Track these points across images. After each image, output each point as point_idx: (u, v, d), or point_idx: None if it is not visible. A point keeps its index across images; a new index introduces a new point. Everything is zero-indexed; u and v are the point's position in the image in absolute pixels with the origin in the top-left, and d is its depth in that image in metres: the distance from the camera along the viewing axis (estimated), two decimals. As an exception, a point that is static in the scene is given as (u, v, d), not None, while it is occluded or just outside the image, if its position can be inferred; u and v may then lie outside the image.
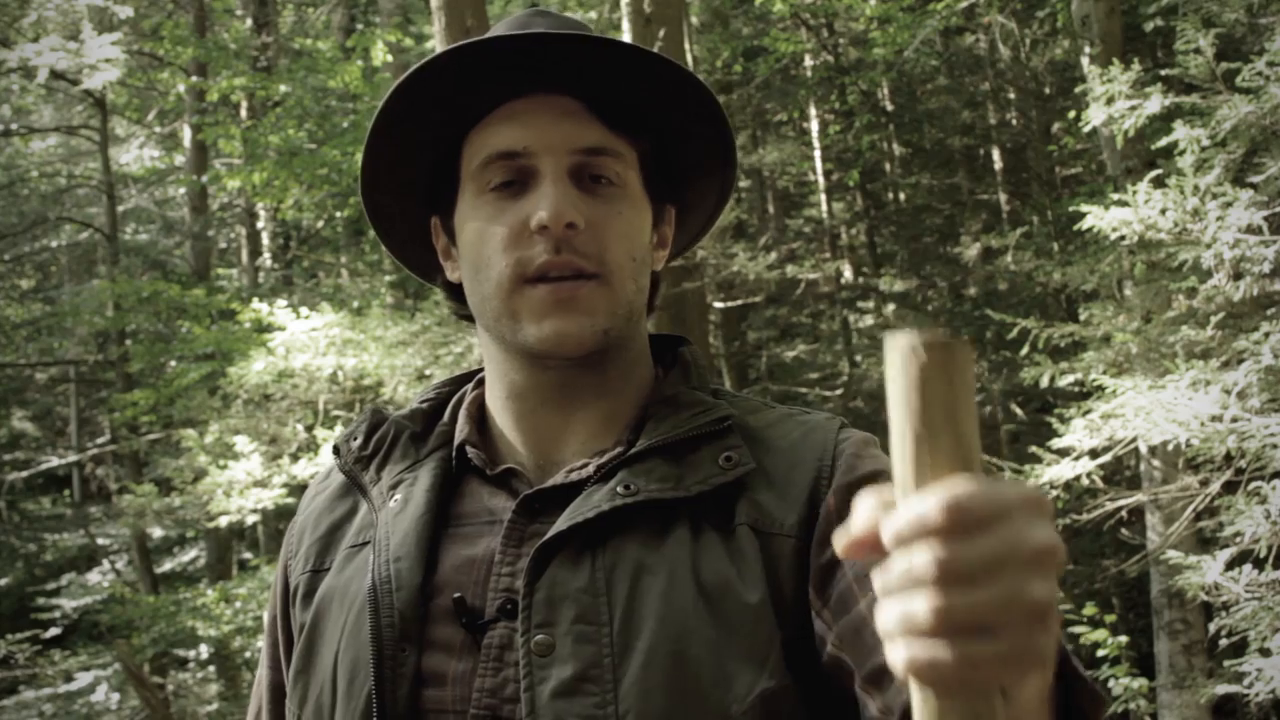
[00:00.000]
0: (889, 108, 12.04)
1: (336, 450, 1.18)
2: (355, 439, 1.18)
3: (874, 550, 0.64)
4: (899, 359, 0.65)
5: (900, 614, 0.61)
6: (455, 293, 1.18)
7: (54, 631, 13.22)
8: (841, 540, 0.66)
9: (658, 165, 1.15)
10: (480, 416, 1.18)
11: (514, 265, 1.06)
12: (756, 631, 0.97)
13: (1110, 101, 5.02)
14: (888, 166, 12.85)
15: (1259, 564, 4.41)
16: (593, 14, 10.92)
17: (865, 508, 0.65)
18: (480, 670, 0.99)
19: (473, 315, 1.16)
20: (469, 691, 0.99)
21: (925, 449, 0.64)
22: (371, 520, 1.11)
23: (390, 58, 11.52)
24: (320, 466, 7.86)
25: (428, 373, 7.81)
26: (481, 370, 1.21)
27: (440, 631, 1.02)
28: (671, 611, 0.97)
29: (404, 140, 1.14)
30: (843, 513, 0.98)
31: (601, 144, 1.08)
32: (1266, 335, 4.42)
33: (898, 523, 0.62)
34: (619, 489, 1.02)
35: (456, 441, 1.15)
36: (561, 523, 1.01)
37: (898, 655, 0.61)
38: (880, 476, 1.04)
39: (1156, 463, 6.27)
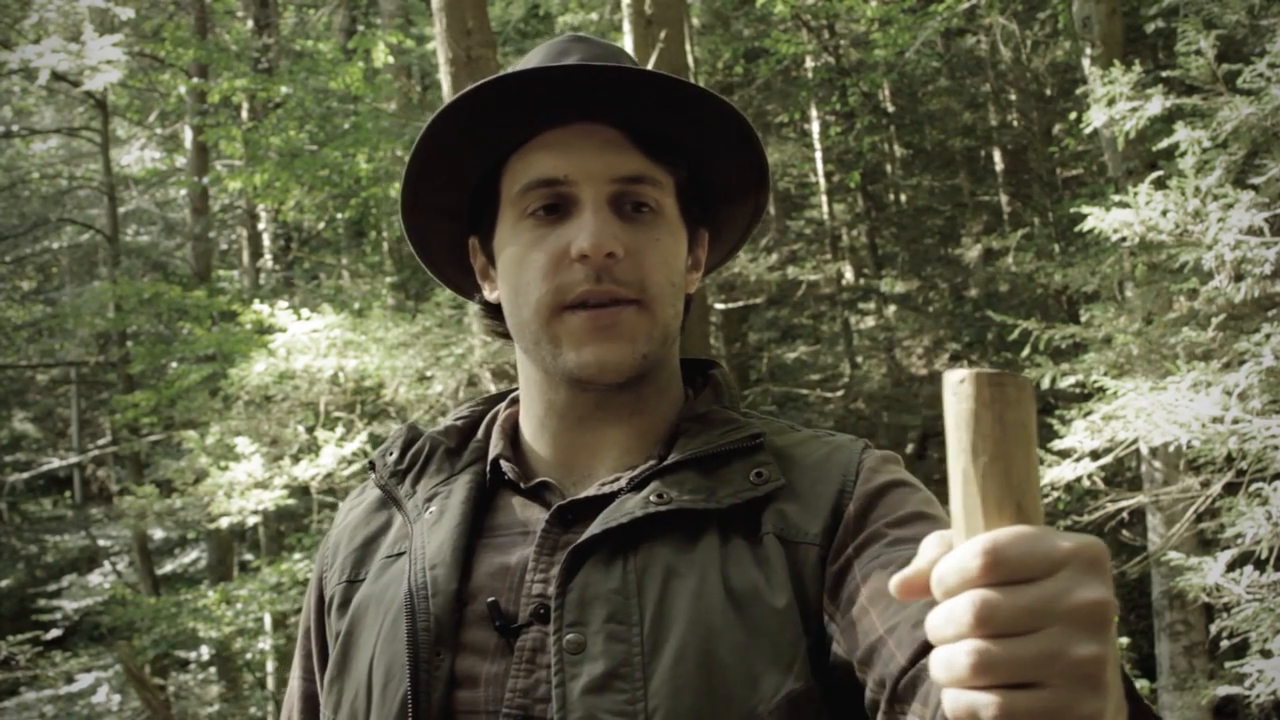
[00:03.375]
0: (890, 109, 12.05)
1: (372, 465, 1.21)
2: (391, 454, 1.21)
3: (924, 592, 0.64)
4: (950, 394, 0.63)
5: (943, 660, 0.61)
6: (493, 312, 1.21)
7: (55, 633, 13.21)
8: (895, 581, 0.66)
9: (693, 191, 1.18)
10: (514, 433, 1.21)
11: (554, 292, 1.09)
12: (783, 635, 1.00)
13: (1111, 103, 5.02)
14: (889, 168, 12.85)
15: (1260, 565, 4.40)
16: (594, 15, 10.93)
17: (925, 548, 0.66)
18: (513, 672, 1.02)
19: (510, 335, 1.18)
20: (501, 692, 1.01)
21: (974, 489, 0.62)
22: (407, 532, 1.14)
23: (391, 59, 11.53)
24: (321, 468, 7.87)
25: (429, 374, 7.81)
26: (514, 390, 1.24)
27: (474, 635, 1.05)
28: (701, 613, 0.99)
29: (444, 164, 1.16)
30: (861, 520, 1.02)
31: (641, 172, 1.11)
32: (1268, 337, 4.42)
33: (942, 568, 0.62)
34: (652, 497, 1.05)
35: (491, 456, 1.18)
36: (595, 527, 1.04)
37: (945, 701, 0.62)
38: (898, 487, 1.07)
39: (1157, 464, 6.27)
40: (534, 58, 1.17)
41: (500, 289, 1.16)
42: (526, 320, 1.11)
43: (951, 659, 0.61)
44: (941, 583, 0.62)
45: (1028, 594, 0.60)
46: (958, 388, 0.63)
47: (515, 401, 1.23)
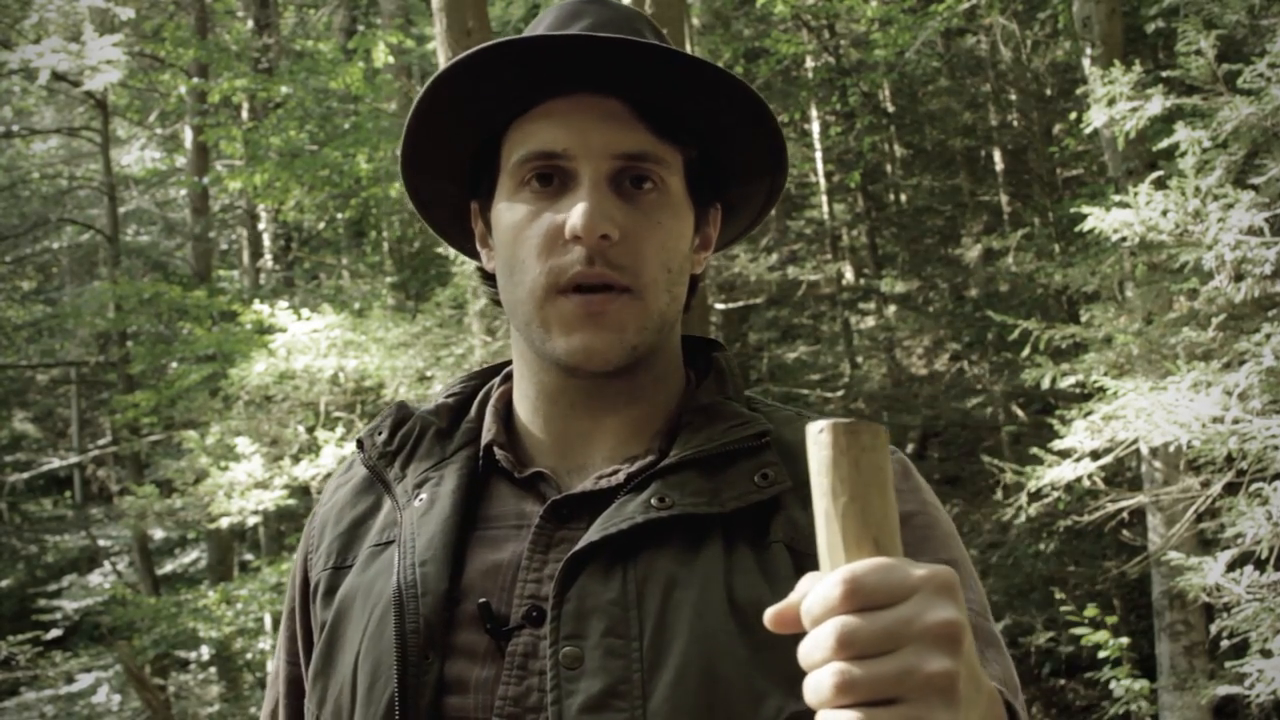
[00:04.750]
0: (890, 109, 12.05)
1: (360, 444, 1.17)
2: (380, 434, 1.16)
3: (796, 625, 0.69)
4: (812, 443, 0.70)
5: (812, 684, 0.66)
6: (491, 279, 1.17)
7: (55, 633, 13.22)
8: (769, 615, 0.71)
9: (704, 168, 1.13)
10: (507, 415, 1.17)
11: (548, 273, 1.04)
12: (788, 652, 0.97)
13: (1111, 103, 5.02)
14: (889, 168, 12.85)
15: (1260, 565, 4.40)
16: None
17: (800, 584, 0.70)
18: (504, 678, 0.98)
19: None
20: (491, 699, 0.98)
21: (835, 528, 0.69)
22: (395, 519, 1.10)
23: (391, 59, 11.54)
24: (321, 468, 7.87)
25: (429, 374, 7.81)
26: (508, 364, 1.20)
27: (464, 637, 1.01)
28: (703, 628, 0.96)
29: (444, 126, 1.12)
30: None
31: (644, 149, 1.06)
32: (1268, 337, 4.42)
33: (809, 601, 0.68)
34: (653, 501, 1.00)
35: (484, 441, 1.13)
36: (593, 533, 1.00)
37: None
38: (914, 516, 1.06)
39: (1158, 464, 6.27)
40: (546, 18, 1.13)
41: (496, 261, 1.12)
42: (520, 299, 1.07)
43: (819, 682, 0.66)
44: (809, 613, 0.67)
45: (884, 618, 0.65)
46: (818, 437, 0.69)
47: (509, 377, 1.19)
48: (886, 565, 0.67)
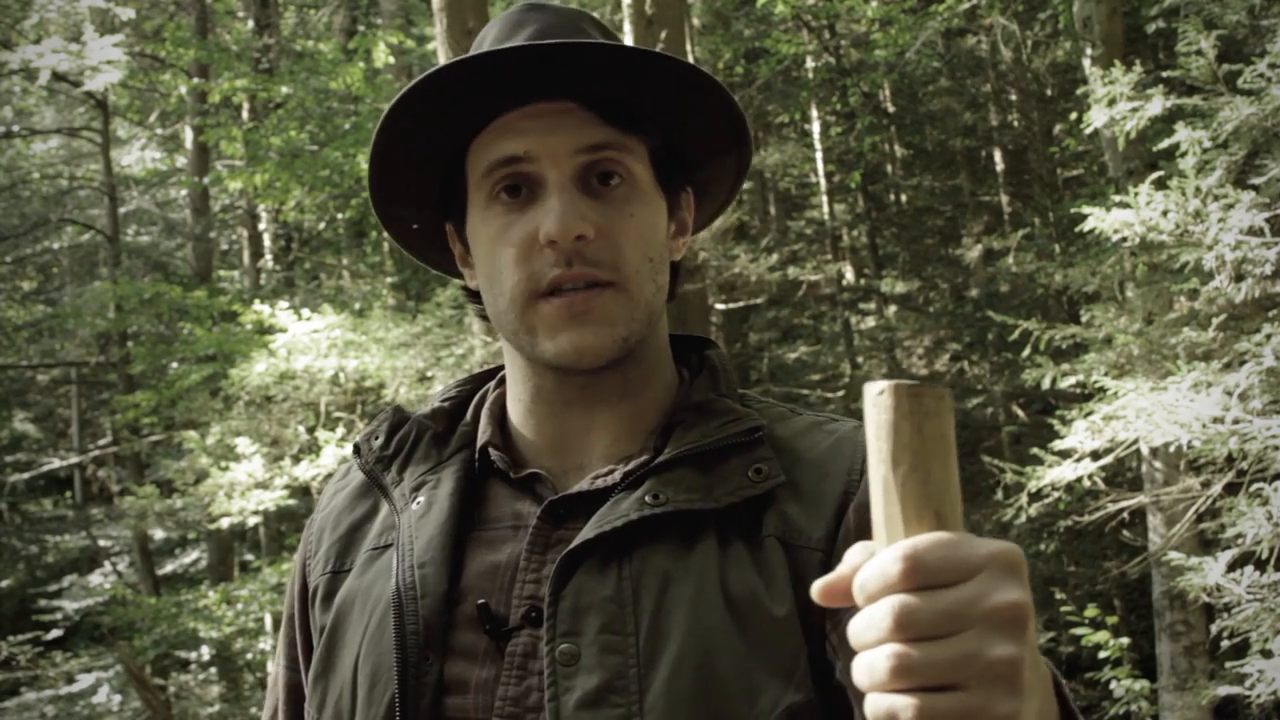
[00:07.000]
0: (890, 109, 12.05)
1: (357, 449, 1.17)
2: (377, 438, 1.17)
3: (847, 598, 0.65)
4: (870, 406, 0.65)
5: (865, 665, 0.62)
6: (476, 297, 1.17)
7: (55, 633, 13.23)
8: (817, 586, 0.67)
9: (669, 155, 1.13)
10: (502, 417, 1.17)
11: (526, 281, 1.05)
12: (783, 645, 0.97)
13: (1112, 103, 5.02)
14: (889, 168, 12.86)
15: (1260, 565, 4.40)
16: (594, 16, 10.93)
17: (850, 555, 0.66)
18: (504, 678, 0.99)
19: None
20: (491, 699, 0.98)
21: (894, 498, 0.64)
22: (394, 522, 1.11)
23: (392, 59, 11.53)
24: (321, 468, 7.87)
25: (429, 374, 7.81)
26: (502, 368, 1.20)
27: (464, 638, 1.02)
28: (698, 623, 0.96)
29: (407, 153, 1.13)
30: (862, 530, 0.97)
31: (606, 139, 1.06)
32: (1268, 337, 4.42)
33: (863, 575, 0.63)
34: (647, 498, 1.01)
35: (479, 443, 1.14)
36: (588, 531, 1.00)
37: (867, 706, 0.62)
38: None
39: (1158, 464, 6.27)
40: (490, 31, 1.14)
41: (477, 277, 1.13)
42: (502, 310, 1.08)
43: (872, 663, 0.61)
44: (863, 589, 0.63)
45: (946, 598, 0.61)
46: (877, 399, 0.64)
47: (504, 381, 1.19)
48: (950, 540, 0.62)
